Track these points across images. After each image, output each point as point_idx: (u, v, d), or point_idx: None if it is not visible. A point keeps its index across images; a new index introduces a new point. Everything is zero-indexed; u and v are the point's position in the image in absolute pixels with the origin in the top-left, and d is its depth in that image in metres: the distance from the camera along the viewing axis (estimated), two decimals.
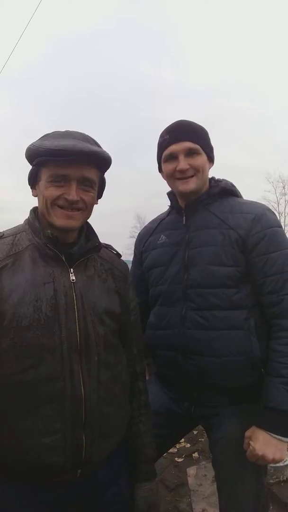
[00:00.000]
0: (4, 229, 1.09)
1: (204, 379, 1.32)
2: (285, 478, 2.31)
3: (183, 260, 1.37)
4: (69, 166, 0.98)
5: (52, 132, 1.05)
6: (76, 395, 0.94)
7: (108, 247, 1.21)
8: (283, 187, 31.66)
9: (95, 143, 1.05)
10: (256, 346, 1.27)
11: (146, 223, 1.70)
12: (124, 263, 1.23)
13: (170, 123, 1.41)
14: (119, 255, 1.23)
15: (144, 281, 1.54)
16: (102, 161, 1.04)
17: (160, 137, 1.41)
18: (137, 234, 1.73)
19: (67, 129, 1.05)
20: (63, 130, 1.06)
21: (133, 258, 1.66)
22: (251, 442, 1.22)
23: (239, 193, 1.47)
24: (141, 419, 1.18)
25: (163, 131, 1.40)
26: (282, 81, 74.34)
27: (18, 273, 0.97)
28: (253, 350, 1.27)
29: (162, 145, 1.39)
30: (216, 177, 1.48)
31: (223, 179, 1.46)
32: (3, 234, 1.05)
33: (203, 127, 1.42)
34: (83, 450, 0.95)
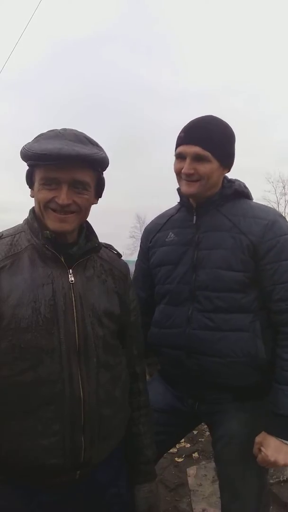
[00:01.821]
0: (4, 229, 1.08)
1: (208, 378, 1.33)
2: (285, 478, 2.31)
3: (192, 261, 1.35)
4: (59, 169, 0.95)
5: (46, 132, 1.01)
6: (75, 397, 0.94)
7: (108, 247, 1.20)
8: (283, 187, 31.76)
9: (90, 142, 1.00)
10: (262, 348, 1.27)
11: (146, 223, 1.68)
12: (124, 263, 1.21)
13: (194, 118, 1.35)
14: (119, 255, 1.22)
15: (149, 276, 1.52)
16: (95, 163, 0.99)
17: (180, 132, 1.35)
18: (137, 234, 1.72)
19: (64, 127, 1.02)
20: (60, 128, 1.01)
21: (139, 252, 1.63)
22: (262, 448, 1.23)
23: (251, 195, 1.43)
24: (141, 420, 1.17)
25: (183, 127, 1.35)
26: (282, 81, 74.43)
27: (17, 274, 0.96)
28: (258, 353, 1.27)
29: (177, 142, 1.35)
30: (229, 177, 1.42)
31: (236, 180, 1.42)
32: (2, 235, 1.03)
33: (225, 132, 1.34)
34: (82, 452, 0.95)
